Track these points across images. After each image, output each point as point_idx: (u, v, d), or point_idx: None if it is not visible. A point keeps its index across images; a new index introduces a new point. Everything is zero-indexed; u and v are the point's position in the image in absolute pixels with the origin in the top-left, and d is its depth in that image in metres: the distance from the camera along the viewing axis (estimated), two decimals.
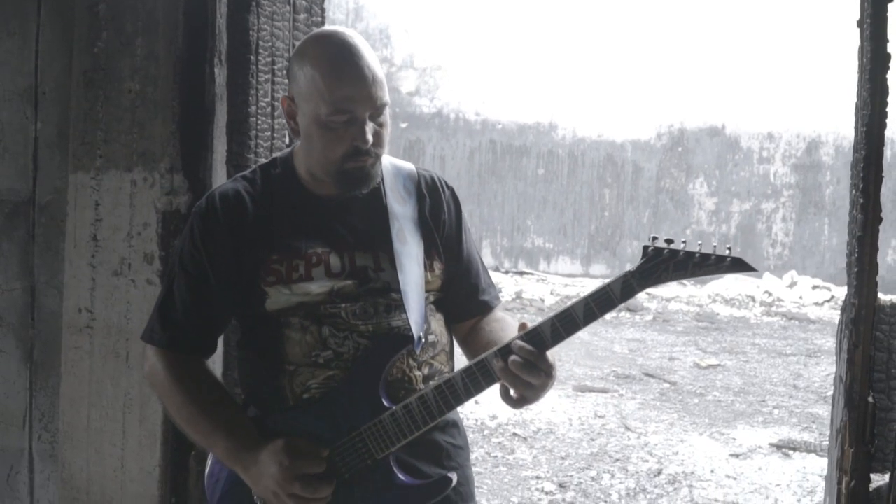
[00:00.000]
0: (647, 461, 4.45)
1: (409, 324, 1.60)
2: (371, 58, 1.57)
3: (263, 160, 2.49)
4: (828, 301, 13.10)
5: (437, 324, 1.68)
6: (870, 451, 2.03)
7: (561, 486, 4.04)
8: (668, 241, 1.50)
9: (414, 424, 1.53)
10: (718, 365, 7.52)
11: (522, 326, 1.52)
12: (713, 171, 15.82)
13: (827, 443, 5.03)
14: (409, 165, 1.77)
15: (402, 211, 1.68)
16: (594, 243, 15.74)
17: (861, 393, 2.02)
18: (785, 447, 4.82)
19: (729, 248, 1.53)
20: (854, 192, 2.12)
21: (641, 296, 12.94)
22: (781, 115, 15.36)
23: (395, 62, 15.72)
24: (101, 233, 2.52)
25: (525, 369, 1.47)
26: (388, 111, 1.59)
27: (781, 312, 12.16)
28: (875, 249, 2.02)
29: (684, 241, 1.52)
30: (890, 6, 2.01)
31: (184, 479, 2.53)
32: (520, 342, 1.49)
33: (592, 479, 4.19)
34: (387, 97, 1.58)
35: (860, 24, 2.13)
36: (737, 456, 4.65)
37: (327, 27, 1.67)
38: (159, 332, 1.63)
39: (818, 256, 15.50)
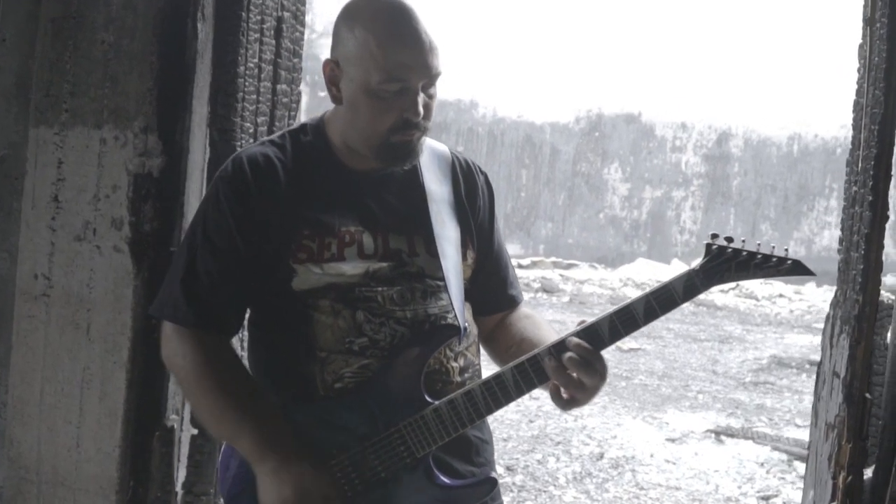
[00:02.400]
0: (588, 445, 4.49)
1: (447, 311, 1.51)
2: (427, 23, 1.46)
3: (249, 125, 2.35)
4: (732, 288, 13.56)
5: (469, 314, 1.59)
6: (866, 446, 2.05)
7: (508, 469, 4.03)
8: (728, 240, 1.44)
9: (459, 422, 1.43)
10: (639, 349, 7.68)
11: (580, 324, 1.44)
12: (628, 158, 16.14)
13: (758, 430, 5.19)
14: (442, 146, 1.65)
15: (439, 193, 1.57)
16: (509, 223, 15.85)
17: (861, 389, 2.04)
18: (717, 432, 4.94)
19: (787, 250, 1.48)
20: (859, 189, 2.13)
21: (556, 277, 13.12)
22: (695, 106, 15.77)
23: (317, 28, 15.37)
24: (64, 194, 2.32)
25: (581, 368, 1.39)
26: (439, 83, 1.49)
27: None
28: (881, 247, 2.04)
29: (743, 240, 1.47)
30: None
31: (145, 461, 2.37)
32: (576, 339, 1.41)
33: (538, 462, 4.20)
34: (441, 67, 1.46)
35: (871, 22, 2.13)
36: (673, 441, 4.75)
37: None
38: (184, 310, 1.46)
39: None
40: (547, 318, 8.83)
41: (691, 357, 7.58)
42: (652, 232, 15.93)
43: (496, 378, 1.44)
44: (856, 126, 2.25)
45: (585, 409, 5.24)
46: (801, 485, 4.17)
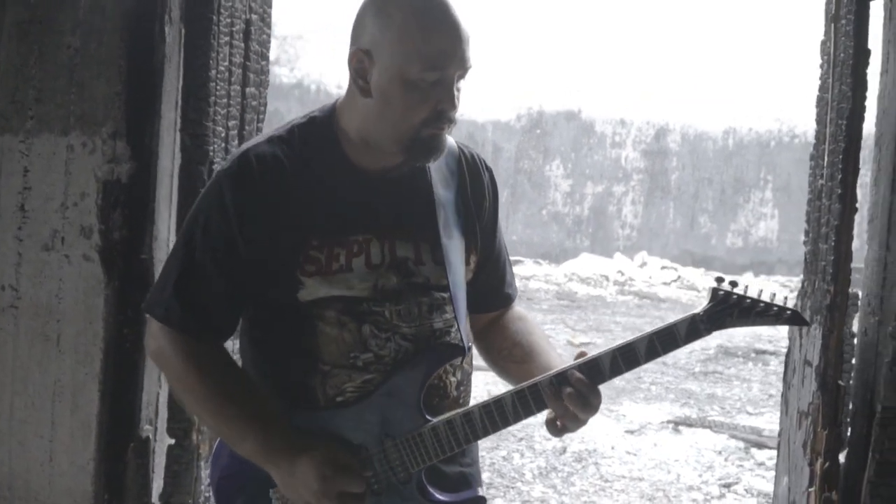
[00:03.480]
0: (550, 440, 4.53)
1: (450, 326, 1.48)
2: (462, 14, 1.41)
3: (220, 129, 2.32)
4: (674, 281, 13.82)
5: (468, 324, 1.58)
6: (841, 433, 2.11)
7: None
8: (733, 284, 1.44)
9: (455, 442, 1.42)
10: (590, 343, 7.76)
11: (581, 355, 1.42)
12: (569, 154, 16.31)
13: (712, 418, 5.30)
14: (450, 140, 1.54)
15: (446, 197, 1.52)
16: None
17: (834, 377, 2.10)
18: (674, 423, 5.04)
19: (786, 298, 1.49)
20: (826, 182, 2.19)
21: None
22: (634, 102, 16.00)
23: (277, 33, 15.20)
24: (31, 202, 2.27)
25: (579, 403, 1.38)
26: None
27: (634, 291, 12.72)
28: (850, 238, 2.10)
29: (747, 286, 1.47)
30: (871, 4, 2.08)
31: (120, 473, 2.32)
32: (578, 374, 1.39)
33: (504, 458, 4.23)
34: (473, 59, 1.41)
35: (836, 19, 2.20)
36: (632, 433, 4.82)
37: None
38: (178, 313, 1.41)
39: (664, 238, 16.29)
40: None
41: None
42: (594, 227, 16.13)
43: (496, 402, 1.41)
44: (820, 121, 2.31)
45: None
46: (761, 472, 4.28)
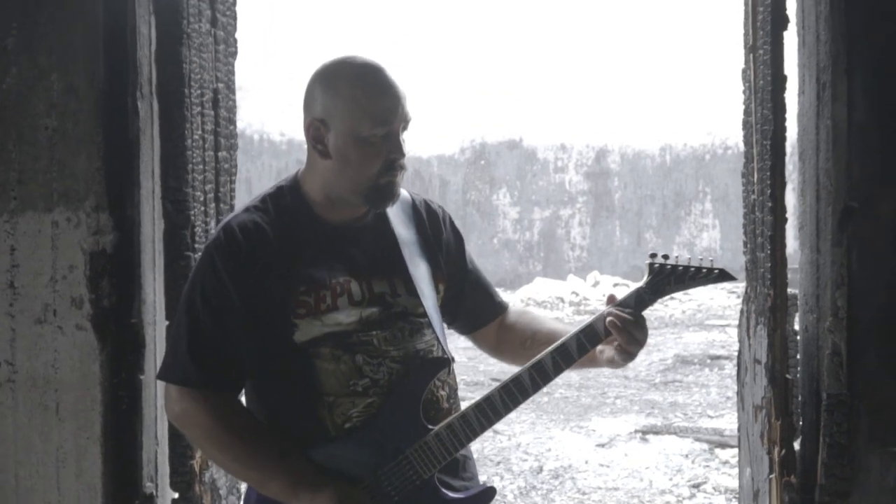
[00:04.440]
0: (526, 460, 4.70)
1: (432, 345, 1.68)
2: (396, 74, 1.64)
3: (199, 193, 2.46)
4: None
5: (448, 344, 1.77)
6: (793, 422, 2.31)
7: None
8: (665, 257, 1.69)
9: (458, 441, 1.61)
10: None
11: (612, 299, 1.68)
12: (514, 182, 16.63)
13: (677, 424, 5.51)
14: (403, 190, 1.81)
15: (407, 235, 1.75)
16: None
17: (781, 371, 2.30)
18: (641, 432, 5.24)
19: (712, 261, 1.73)
20: (758, 197, 2.41)
21: None
22: (572, 127, 16.40)
23: None
24: (20, 279, 2.37)
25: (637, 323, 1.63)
26: None
27: (590, 311, 12.98)
28: (784, 246, 2.32)
29: (677, 256, 1.71)
30: (784, 33, 2.31)
31: None
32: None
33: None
34: (411, 113, 1.65)
35: (753, 49, 2.43)
36: (602, 445, 5.01)
37: (345, 54, 1.68)
38: (194, 373, 1.58)
39: (613, 256, 16.66)
40: (461, 347, 9.03)
41: None
42: (545, 251, 16.45)
43: (486, 400, 1.62)
44: (747, 142, 2.54)
45: (517, 428, 5.46)
46: (726, 469, 4.49)
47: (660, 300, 1.70)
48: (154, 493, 2.45)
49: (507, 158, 16.58)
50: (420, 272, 1.72)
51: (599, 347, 1.67)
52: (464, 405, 1.73)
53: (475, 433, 1.63)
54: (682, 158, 16.78)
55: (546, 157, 16.72)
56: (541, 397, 6.47)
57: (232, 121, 2.66)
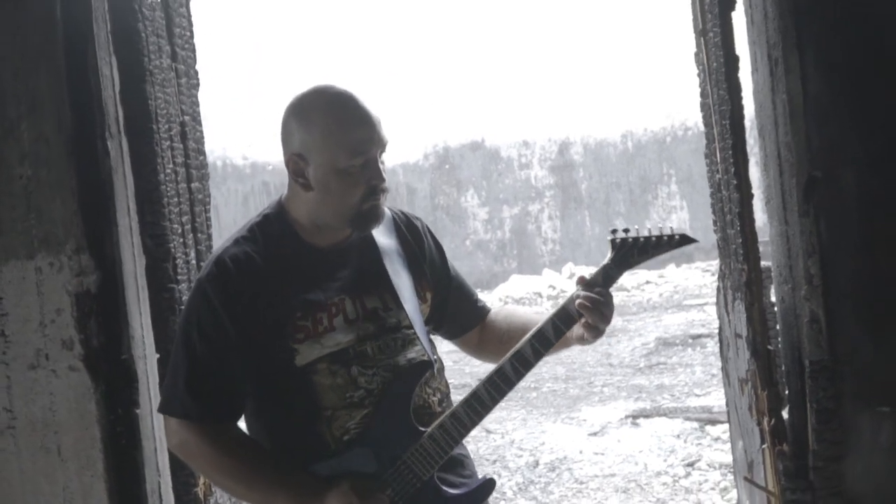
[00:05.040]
0: (521, 456, 4.75)
1: (421, 354, 1.73)
2: (370, 101, 1.68)
3: (176, 226, 2.49)
4: None
5: (437, 350, 1.82)
6: (779, 392, 2.37)
7: None
8: (626, 231, 1.76)
9: (452, 440, 1.66)
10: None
11: (581, 280, 1.74)
12: (481, 183, 16.71)
13: (666, 406, 5.58)
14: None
15: (390, 247, 1.79)
16: None
17: (763, 343, 2.36)
18: (632, 417, 5.31)
19: (672, 227, 1.81)
20: (723, 175, 2.48)
21: None
22: (533, 122, 16.52)
23: None
24: (10, 327, 2.38)
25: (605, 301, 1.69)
26: None
27: None
28: (753, 221, 2.38)
29: (636, 227, 1.78)
30: (733, 14, 2.38)
31: None
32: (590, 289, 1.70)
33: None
34: (388, 136, 1.69)
35: (703, 32, 2.50)
36: (595, 434, 5.07)
37: (317, 84, 1.72)
38: (193, 406, 1.62)
39: (585, 246, 16.78)
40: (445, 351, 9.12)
41: (586, 356, 8.00)
42: (518, 248, 16.55)
43: (473, 395, 1.68)
44: (707, 124, 2.61)
45: (509, 426, 5.51)
46: (718, 445, 4.56)
47: (627, 272, 1.78)
48: None
49: (471, 160, 16.66)
50: (402, 282, 1.77)
51: None
52: None
53: (467, 428, 1.67)
54: (643, 143, 16.95)
55: (510, 154, 16.82)
56: (529, 393, 6.52)
57: (201, 151, 2.69)
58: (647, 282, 14.16)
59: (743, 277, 2.39)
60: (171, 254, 2.41)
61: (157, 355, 2.53)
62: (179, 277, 2.43)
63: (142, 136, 2.37)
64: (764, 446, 2.36)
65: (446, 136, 16.46)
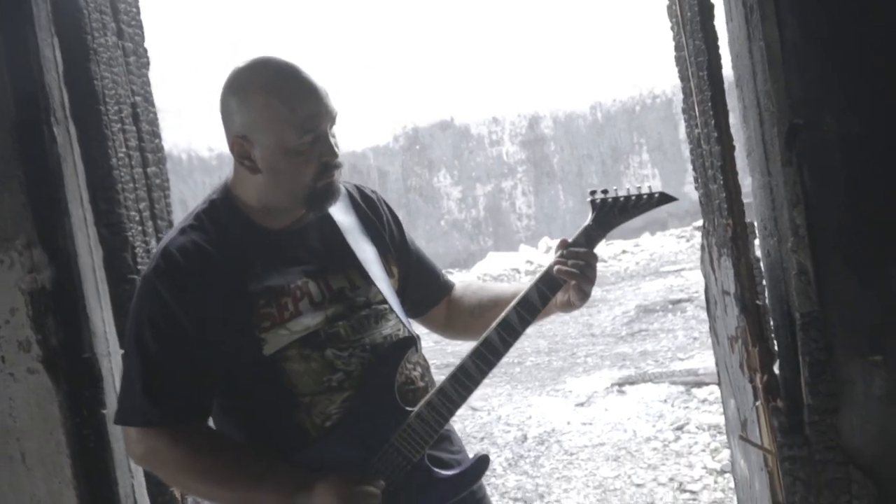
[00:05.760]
0: (509, 432, 4.68)
1: (398, 329, 1.63)
2: (314, 72, 1.56)
3: (133, 213, 2.36)
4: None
5: (414, 324, 1.73)
6: (769, 347, 2.30)
7: None
8: (605, 192, 1.67)
9: (441, 417, 1.56)
10: (523, 334, 7.97)
11: (563, 243, 1.66)
12: (452, 162, 16.59)
13: (650, 372, 5.54)
14: None
15: (349, 223, 1.69)
16: None
17: (751, 298, 2.29)
18: (618, 384, 5.26)
19: (650, 186, 1.74)
20: (702, 129, 2.39)
21: None
22: (502, 98, 16.41)
23: None
24: None
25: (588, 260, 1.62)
26: None
27: None
28: (736, 174, 2.30)
29: (616, 188, 1.70)
30: None
31: None
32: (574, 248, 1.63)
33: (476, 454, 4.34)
34: (337, 107, 1.58)
35: None
36: (582, 405, 5.02)
37: (254, 58, 1.58)
38: (152, 411, 1.49)
39: (560, 220, 16.73)
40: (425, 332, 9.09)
41: (567, 328, 7.95)
42: (493, 225, 16.47)
43: (460, 369, 1.58)
44: (683, 77, 2.52)
45: (495, 402, 5.45)
46: (705, 407, 4.52)
47: (608, 234, 1.70)
48: None
49: (441, 140, 16.53)
50: (369, 257, 1.66)
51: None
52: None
53: (456, 404, 1.58)
54: (612, 114, 16.90)
55: (480, 132, 16.71)
56: (513, 367, 6.46)
57: (156, 134, 2.56)
58: (624, 251, 14.16)
59: (728, 232, 2.31)
60: (130, 243, 2.29)
61: (122, 352, 2.42)
62: (140, 268, 2.31)
63: (90, 119, 2.24)
64: (757, 403, 2.29)
65: (415, 116, 16.31)
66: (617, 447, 4.20)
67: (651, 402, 4.76)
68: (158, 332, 1.51)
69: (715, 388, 4.67)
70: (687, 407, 4.56)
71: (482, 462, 1.63)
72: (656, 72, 15.93)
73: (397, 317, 1.64)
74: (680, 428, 4.22)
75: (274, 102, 1.49)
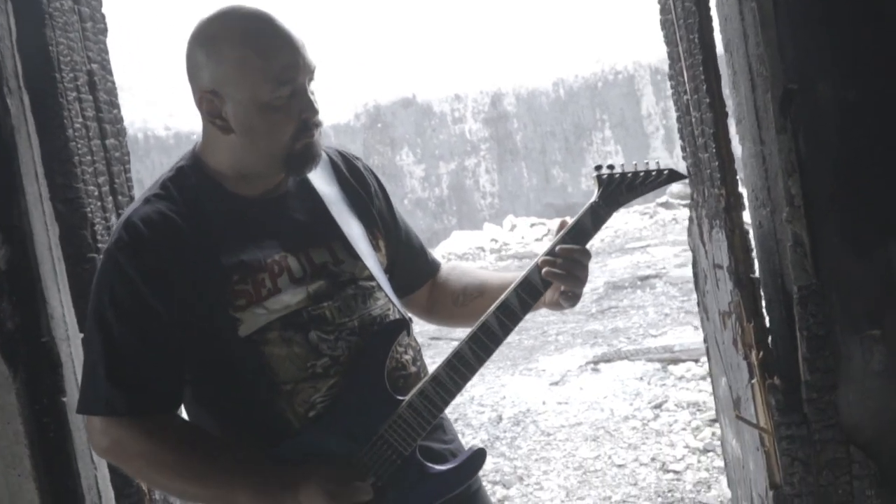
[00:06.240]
0: (483, 412, 4.59)
1: (387, 309, 1.51)
2: (287, 21, 1.42)
3: (92, 188, 2.21)
4: (546, 235, 14.18)
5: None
6: (764, 323, 2.23)
7: None
8: (611, 167, 1.56)
9: (435, 408, 1.44)
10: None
11: (563, 224, 1.52)
12: (415, 140, 16.43)
13: (624, 349, 5.49)
14: None
15: (332, 193, 1.55)
16: None
17: (746, 272, 2.21)
18: (592, 363, 5.20)
19: (658, 162, 1.63)
20: (692, 95, 2.30)
21: None
22: (464, 75, 16.26)
23: None
24: None
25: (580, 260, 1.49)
26: None
27: (511, 255, 12.99)
28: (729, 141, 2.21)
29: (622, 164, 1.59)
30: None
31: None
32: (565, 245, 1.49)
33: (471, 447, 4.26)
34: (315, 60, 1.45)
35: None
36: (556, 384, 4.95)
37: (222, 6, 1.44)
38: (117, 399, 1.35)
39: (524, 198, 16.68)
40: None
41: None
42: (457, 204, 16.36)
43: (456, 356, 1.46)
44: (669, 41, 2.42)
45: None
46: (682, 385, 4.48)
47: (616, 212, 1.57)
48: None
49: (403, 117, 16.35)
50: (355, 231, 1.53)
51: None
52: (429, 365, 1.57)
53: (451, 394, 1.46)
54: (575, 90, 16.84)
55: (442, 109, 16.56)
56: None
57: (114, 104, 2.40)
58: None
59: (721, 203, 2.22)
60: (89, 219, 2.14)
61: (82, 335, 2.28)
62: (100, 245, 2.16)
63: (44, 88, 2.08)
64: (753, 381, 2.22)
65: (376, 94, 16.10)
66: (595, 426, 4.13)
67: (627, 380, 4.70)
68: (122, 312, 1.37)
69: (692, 365, 4.63)
70: (664, 384, 4.51)
71: (478, 456, 1.52)
72: (618, 48, 15.90)
73: (386, 295, 1.52)
74: (658, 406, 4.17)
75: (247, 52, 1.36)
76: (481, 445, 1.57)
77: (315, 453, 1.40)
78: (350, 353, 1.43)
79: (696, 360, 4.67)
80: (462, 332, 1.53)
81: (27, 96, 2.13)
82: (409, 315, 1.54)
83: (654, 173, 1.57)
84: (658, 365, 4.85)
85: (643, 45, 15.51)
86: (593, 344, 5.89)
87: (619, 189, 1.53)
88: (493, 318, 1.45)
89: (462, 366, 1.45)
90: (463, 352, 1.45)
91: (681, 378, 4.53)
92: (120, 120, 2.41)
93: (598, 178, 1.54)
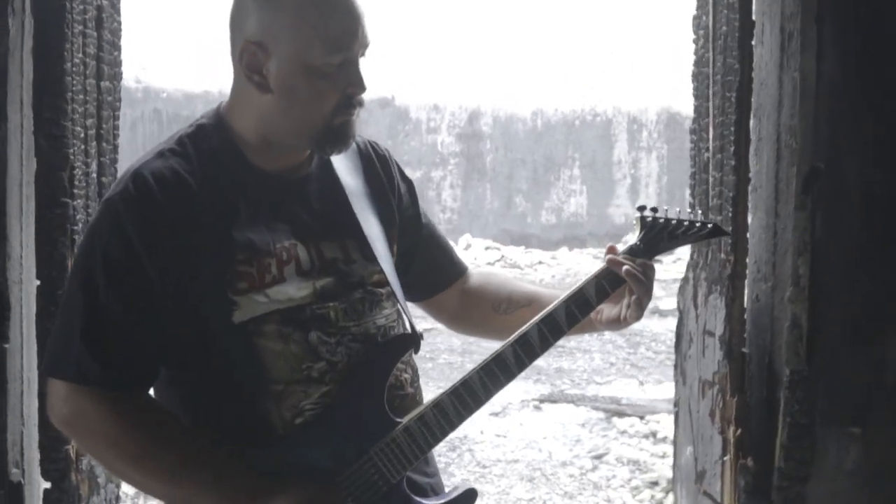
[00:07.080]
0: None
1: (394, 320, 1.39)
2: None
3: (79, 129, 2.06)
4: (498, 260, 14.15)
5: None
6: (747, 399, 2.17)
7: None
8: (654, 210, 1.47)
9: (432, 437, 1.32)
10: (433, 328, 7.77)
11: (611, 249, 1.44)
12: (386, 142, 16.29)
13: (568, 392, 5.43)
14: None
15: (356, 186, 1.43)
16: None
17: (738, 345, 2.15)
18: (536, 401, 5.13)
19: (700, 214, 1.56)
20: (715, 154, 2.24)
21: None
22: (446, 87, 16.20)
23: None
24: None
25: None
26: None
27: None
28: (746, 209, 2.16)
29: (666, 208, 1.50)
30: None
31: None
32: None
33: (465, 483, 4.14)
34: (371, 37, 1.33)
35: None
36: (496, 415, 4.85)
37: None
38: (95, 368, 1.21)
39: (483, 219, 16.64)
40: None
41: None
42: None
43: (464, 385, 1.34)
44: (700, 95, 2.36)
45: None
46: (625, 440, 4.42)
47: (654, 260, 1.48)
48: (21, 480, 2.07)
49: (378, 117, 16.21)
50: (374, 231, 1.41)
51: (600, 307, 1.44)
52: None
53: (452, 425, 1.34)
54: (552, 124, 16.89)
55: (419, 116, 16.47)
56: (425, 363, 6.26)
57: (116, 46, 2.26)
58: (540, 262, 14.14)
59: (727, 270, 2.16)
60: (70, 161, 1.99)
61: (38, 282, 2.12)
62: (76, 192, 2.02)
63: (51, 13, 1.93)
64: (725, 458, 2.15)
65: None
66: (532, 467, 4.04)
67: (568, 425, 4.63)
68: (113, 275, 1.23)
69: (636, 421, 4.58)
70: (606, 436, 4.45)
71: (470, 496, 1.40)
72: (601, 91, 16.03)
73: (394, 305, 1.40)
74: (598, 457, 4.11)
75: (306, 7, 1.25)
76: (472, 485, 1.45)
77: (295, 465, 1.28)
78: (349, 360, 1.32)
79: (642, 417, 4.63)
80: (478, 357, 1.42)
81: (31, 21, 1.97)
82: (420, 330, 1.42)
83: (697, 225, 1.48)
84: (602, 414, 4.79)
85: (626, 92, 15.63)
86: (536, 380, 5.82)
87: (661, 236, 1.44)
88: (510, 350, 1.35)
89: (469, 397, 1.34)
90: (472, 382, 1.34)
91: (623, 432, 4.48)
92: (119, 63, 2.27)
93: (642, 219, 1.45)
